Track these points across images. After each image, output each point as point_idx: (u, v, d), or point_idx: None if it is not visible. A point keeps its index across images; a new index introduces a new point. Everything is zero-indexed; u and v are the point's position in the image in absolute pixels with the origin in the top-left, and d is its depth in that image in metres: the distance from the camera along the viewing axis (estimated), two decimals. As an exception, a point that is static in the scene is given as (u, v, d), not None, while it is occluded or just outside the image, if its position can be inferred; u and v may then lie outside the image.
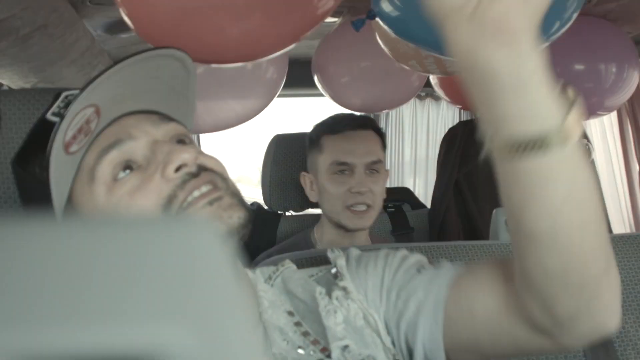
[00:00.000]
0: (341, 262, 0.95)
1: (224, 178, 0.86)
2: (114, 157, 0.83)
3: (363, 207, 1.87)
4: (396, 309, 0.89)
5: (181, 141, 0.89)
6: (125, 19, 1.17)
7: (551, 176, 0.68)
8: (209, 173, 0.84)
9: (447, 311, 0.86)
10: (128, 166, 0.83)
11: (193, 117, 0.98)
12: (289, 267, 0.99)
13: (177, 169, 0.81)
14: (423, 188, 4.18)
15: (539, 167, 0.67)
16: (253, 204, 2.59)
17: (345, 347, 0.86)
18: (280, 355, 0.85)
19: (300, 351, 0.87)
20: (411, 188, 3.63)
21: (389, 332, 0.90)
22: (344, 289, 0.91)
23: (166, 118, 0.90)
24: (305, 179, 2.00)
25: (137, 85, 0.86)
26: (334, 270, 0.95)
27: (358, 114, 2.15)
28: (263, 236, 2.38)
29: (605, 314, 0.78)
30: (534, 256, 0.74)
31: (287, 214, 2.48)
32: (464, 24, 0.65)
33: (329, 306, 0.89)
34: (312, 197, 2.00)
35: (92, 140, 0.84)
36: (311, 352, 0.87)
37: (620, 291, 0.79)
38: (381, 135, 1.99)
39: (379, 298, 0.91)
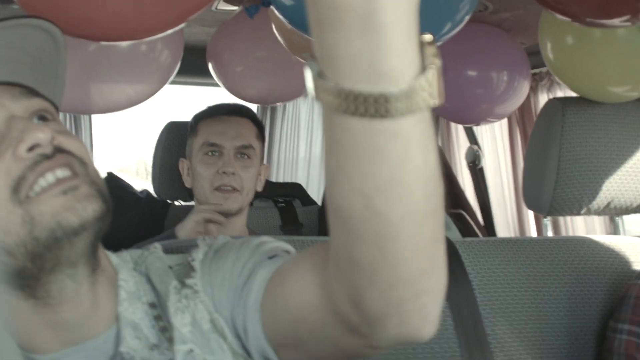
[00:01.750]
0: (199, 255, 0.89)
1: (84, 163, 0.81)
2: None
3: (229, 188, 1.89)
4: (239, 305, 0.83)
5: (43, 117, 0.83)
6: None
7: (380, 146, 0.55)
8: (65, 155, 0.79)
9: (263, 307, 0.80)
10: None
11: (62, 93, 0.92)
12: (154, 252, 0.94)
13: (30, 149, 0.76)
14: (317, 185, 4.19)
15: (367, 131, 0.54)
16: (143, 191, 2.53)
17: (190, 351, 0.81)
18: (127, 355, 0.81)
19: (152, 351, 0.82)
20: (304, 185, 3.63)
21: (238, 335, 0.84)
22: (193, 287, 0.86)
23: (30, 92, 0.84)
24: (183, 165, 2.04)
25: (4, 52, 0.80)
26: (193, 263, 0.89)
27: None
28: (150, 225, 2.33)
29: (417, 319, 0.68)
30: (343, 240, 0.63)
31: (176, 203, 2.45)
32: None
33: (178, 304, 0.84)
34: (187, 183, 2.02)
35: None
36: (165, 351, 0.82)
37: (441, 297, 0.69)
38: (258, 125, 2.02)
39: (226, 296, 0.85)
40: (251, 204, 2.54)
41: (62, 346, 0.80)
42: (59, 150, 0.78)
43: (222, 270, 0.86)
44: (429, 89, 0.53)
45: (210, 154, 1.92)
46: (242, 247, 0.87)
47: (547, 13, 1.41)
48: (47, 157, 0.76)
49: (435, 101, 0.54)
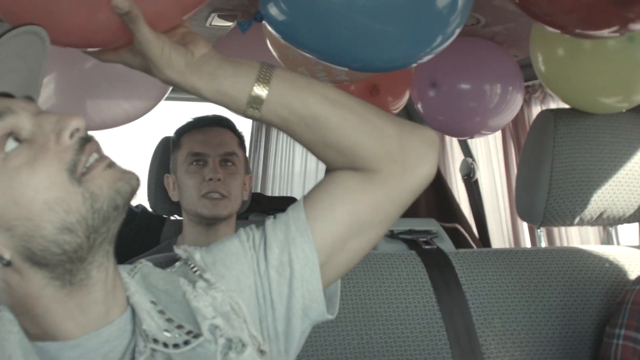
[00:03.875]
0: (197, 256, 0.99)
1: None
2: None
3: (217, 195, 1.91)
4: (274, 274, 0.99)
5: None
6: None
7: (282, 105, 0.98)
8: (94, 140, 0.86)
9: (311, 220, 1.00)
10: (15, 139, 0.82)
11: (40, 88, 0.97)
12: (146, 264, 1.02)
13: (71, 135, 0.82)
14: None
15: (270, 108, 0.98)
16: (138, 206, 2.54)
17: (215, 327, 0.91)
18: (150, 332, 0.88)
19: (167, 334, 0.89)
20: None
21: (260, 321, 0.98)
22: (207, 280, 0.96)
23: (30, 99, 0.89)
24: (169, 180, 2.07)
25: (5, 64, 0.85)
26: (190, 264, 0.99)
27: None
28: (146, 239, 2.33)
29: (409, 162, 1.01)
30: (325, 137, 1.00)
31: (172, 218, 2.45)
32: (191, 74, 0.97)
33: (195, 292, 0.93)
34: (174, 197, 2.05)
35: None
36: (177, 335, 0.90)
37: (429, 146, 1.03)
38: (239, 136, 2.07)
39: (254, 282, 0.98)
40: (246, 218, 2.54)
41: (83, 332, 0.85)
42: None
43: (241, 264, 0.99)
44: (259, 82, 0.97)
45: (195, 163, 1.95)
46: (251, 241, 1.02)
47: (538, 25, 1.42)
48: (87, 140, 0.84)
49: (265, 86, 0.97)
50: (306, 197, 1.04)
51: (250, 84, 0.97)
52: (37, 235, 0.79)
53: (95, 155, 0.84)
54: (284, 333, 0.98)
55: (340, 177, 1.02)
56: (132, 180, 0.85)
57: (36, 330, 0.85)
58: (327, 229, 1.00)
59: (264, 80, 0.97)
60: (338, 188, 1.02)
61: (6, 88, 0.86)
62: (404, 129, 1.02)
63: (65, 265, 0.82)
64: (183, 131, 2.04)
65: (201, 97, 0.98)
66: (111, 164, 0.85)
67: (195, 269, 0.98)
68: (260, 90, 0.97)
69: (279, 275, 0.98)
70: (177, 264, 1.03)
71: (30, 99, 0.89)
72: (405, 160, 1.01)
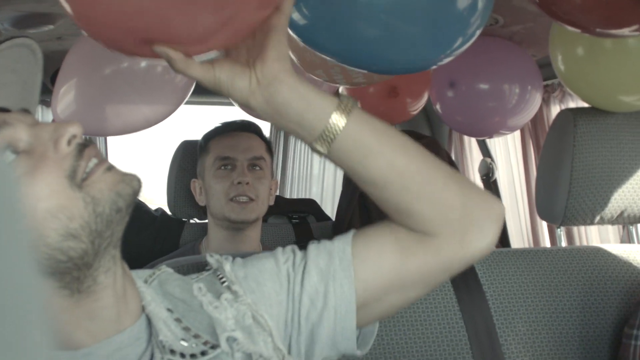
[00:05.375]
0: (227, 267, 0.98)
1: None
2: None
3: (245, 199, 1.92)
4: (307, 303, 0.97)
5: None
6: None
7: (354, 146, 0.94)
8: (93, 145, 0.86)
9: (356, 259, 0.98)
10: (13, 151, 0.82)
11: (37, 101, 0.98)
12: (165, 270, 1.01)
13: (68, 142, 0.82)
14: (331, 200, 4.20)
15: (339, 147, 0.93)
16: (157, 210, 2.55)
17: (234, 339, 0.89)
18: (167, 343, 0.87)
19: (184, 343, 0.89)
20: (319, 201, 3.65)
21: (285, 337, 0.96)
22: (235, 292, 0.94)
23: (25, 110, 0.90)
24: (195, 185, 2.08)
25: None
26: (219, 275, 0.98)
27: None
28: (166, 243, 2.35)
29: (471, 234, 0.98)
30: (382, 197, 0.97)
31: (192, 221, 2.46)
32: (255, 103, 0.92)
33: (216, 303, 0.92)
34: (201, 202, 2.06)
35: None
36: (193, 345, 0.89)
37: (494, 222, 0.99)
38: (266, 141, 2.09)
39: (276, 297, 0.97)
40: (265, 220, 2.55)
41: (94, 340, 0.85)
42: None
43: (274, 283, 0.98)
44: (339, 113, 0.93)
45: (223, 168, 1.96)
46: (287, 264, 1.01)
47: (557, 25, 1.42)
48: (85, 145, 0.84)
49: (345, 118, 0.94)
50: (357, 234, 1.02)
51: (313, 136, 0.94)
52: (42, 244, 0.78)
53: (94, 160, 0.83)
54: (305, 354, 0.98)
55: (396, 230, 1.00)
56: (133, 182, 0.85)
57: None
58: (370, 275, 0.98)
59: (327, 138, 0.93)
60: (391, 241, 0.99)
61: (0, 102, 0.87)
62: (471, 201, 0.99)
63: (72, 273, 0.81)
64: (211, 136, 2.06)
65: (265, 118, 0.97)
66: (110, 167, 0.84)
67: (223, 279, 0.97)
68: (323, 147, 0.93)
69: (310, 303, 0.97)
70: (205, 272, 1.02)
71: (27, 111, 0.89)
72: (465, 234, 0.98)
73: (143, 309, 0.91)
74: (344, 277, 0.96)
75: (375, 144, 0.95)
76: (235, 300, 0.93)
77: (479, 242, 0.99)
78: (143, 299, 0.91)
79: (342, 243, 1.00)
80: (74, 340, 0.84)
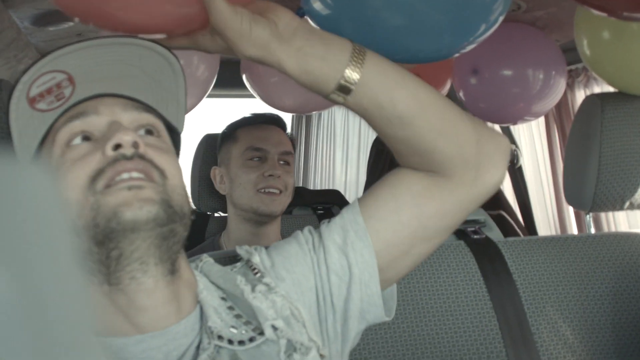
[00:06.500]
0: (256, 259, 0.99)
1: (164, 176, 0.86)
2: (75, 125, 0.87)
3: (276, 191, 1.92)
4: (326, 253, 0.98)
5: (149, 132, 0.92)
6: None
7: (369, 98, 0.93)
8: (145, 162, 0.85)
9: (372, 220, 0.99)
10: (85, 137, 0.87)
11: (184, 119, 0.99)
12: (206, 261, 1.01)
13: (115, 148, 0.83)
14: (354, 191, 4.19)
15: (355, 99, 0.93)
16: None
17: (276, 328, 0.90)
18: (215, 329, 0.88)
19: (233, 330, 0.90)
20: (342, 191, 3.65)
21: (320, 323, 0.97)
22: (267, 284, 0.95)
23: (143, 108, 0.92)
24: (215, 172, 2.06)
25: (113, 68, 0.89)
26: (252, 266, 0.98)
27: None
28: (191, 237, 2.34)
29: (485, 167, 1.00)
30: (407, 136, 0.96)
31: (216, 215, 2.46)
32: (277, 49, 0.89)
33: (254, 294, 0.93)
34: (222, 190, 2.04)
35: (68, 109, 0.89)
36: (243, 332, 0.90)
37: (503, 154, 1.02)
38: (291, 138, 2.09)
39: (315, 284, 0.98)
40: (290, 212, 2.55)
41: (136, 332, 0.85)
42: (139, 155, 0.85)
43: (301, 267, 0.98)
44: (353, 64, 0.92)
45: (254, 159, 1.95)
46: (308, 244, 1.01)
47: (583, 9, 1.40)
48: (126, 157, 0.83)
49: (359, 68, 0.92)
50: (364, 199, 1.03)
51: (339, 71, 0.91)
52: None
53: (124, 175, 0.82)
54: (341, 333, 0.99)
55: (407, 179, 1.01)
56: (139, 211, 0.81)
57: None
58: (391, 232, 0.99)
59: (355, 68, 0.91)
60: (405, 192, 1.00)
61: (120, 90, 0.91)
62: (484, 135, 1.01)
63: (91, 264, 0.83)
64: (239, 125, 2.05)
65: (284, 73, 0.91)
66: (134, 187, 0.82)
67: (255, 270, 0.97)
68: (349, 82, 0.91)
69: (339, 279, 0.97)
70: (239, 263, 1.02)
71: (148, 108, 0.93)
72: (479, 168, 1.00)
73: (197, 295, 0.92)
74: (363, 247, 0.98)
75: (399, 77, 0.95)
76: (269, 292, 0.94)
77: (492, 177, 1.01)
78: (197, 286, 0.93)
79: (352, 214, 1.01)
80: (110, 328, 0.85)
